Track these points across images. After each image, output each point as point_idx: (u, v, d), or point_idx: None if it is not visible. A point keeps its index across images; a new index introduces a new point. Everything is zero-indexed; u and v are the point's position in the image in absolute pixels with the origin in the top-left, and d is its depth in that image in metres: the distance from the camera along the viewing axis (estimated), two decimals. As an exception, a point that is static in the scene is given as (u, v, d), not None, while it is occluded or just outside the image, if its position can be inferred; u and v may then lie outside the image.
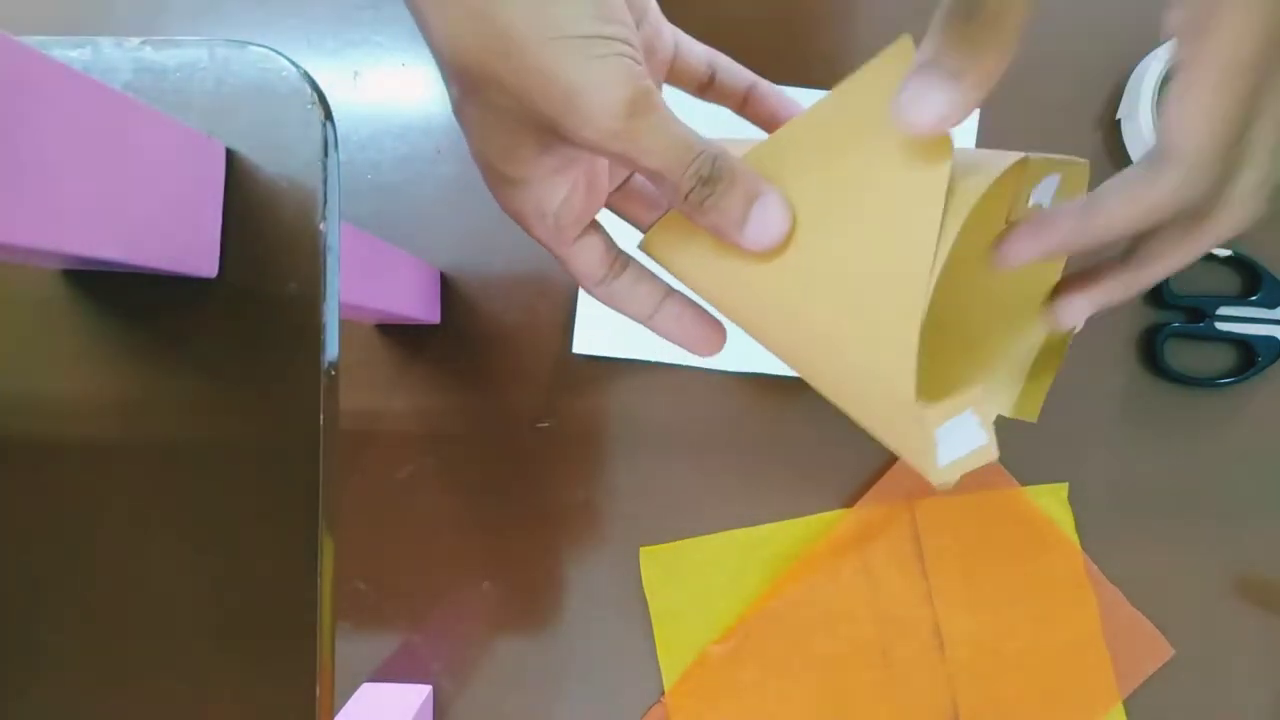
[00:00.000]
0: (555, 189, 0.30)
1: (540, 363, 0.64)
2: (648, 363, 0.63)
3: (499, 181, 0.30)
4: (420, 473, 0.63)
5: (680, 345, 0.33)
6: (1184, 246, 0.29)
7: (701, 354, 0.33)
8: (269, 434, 0.33)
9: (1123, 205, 0.27)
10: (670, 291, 0.32)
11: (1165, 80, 0.29)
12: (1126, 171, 0.27)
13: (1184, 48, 0.24)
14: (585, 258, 0.31)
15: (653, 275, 0.33)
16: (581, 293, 0.63)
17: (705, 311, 0.33)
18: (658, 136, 0.26)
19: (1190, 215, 0.27)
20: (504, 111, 0.27)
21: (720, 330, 0.33)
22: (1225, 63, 0.24)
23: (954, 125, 0.24)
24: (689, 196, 0.27)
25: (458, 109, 0.29)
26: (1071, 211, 0.28)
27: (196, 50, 0.34)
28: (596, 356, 0.63)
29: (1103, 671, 0.60)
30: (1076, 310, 0.34)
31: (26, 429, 0.33)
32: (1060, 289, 0.34)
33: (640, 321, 0.32)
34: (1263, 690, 0.61)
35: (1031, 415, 0.34)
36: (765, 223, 0.27)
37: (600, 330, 0.63)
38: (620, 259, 0.32)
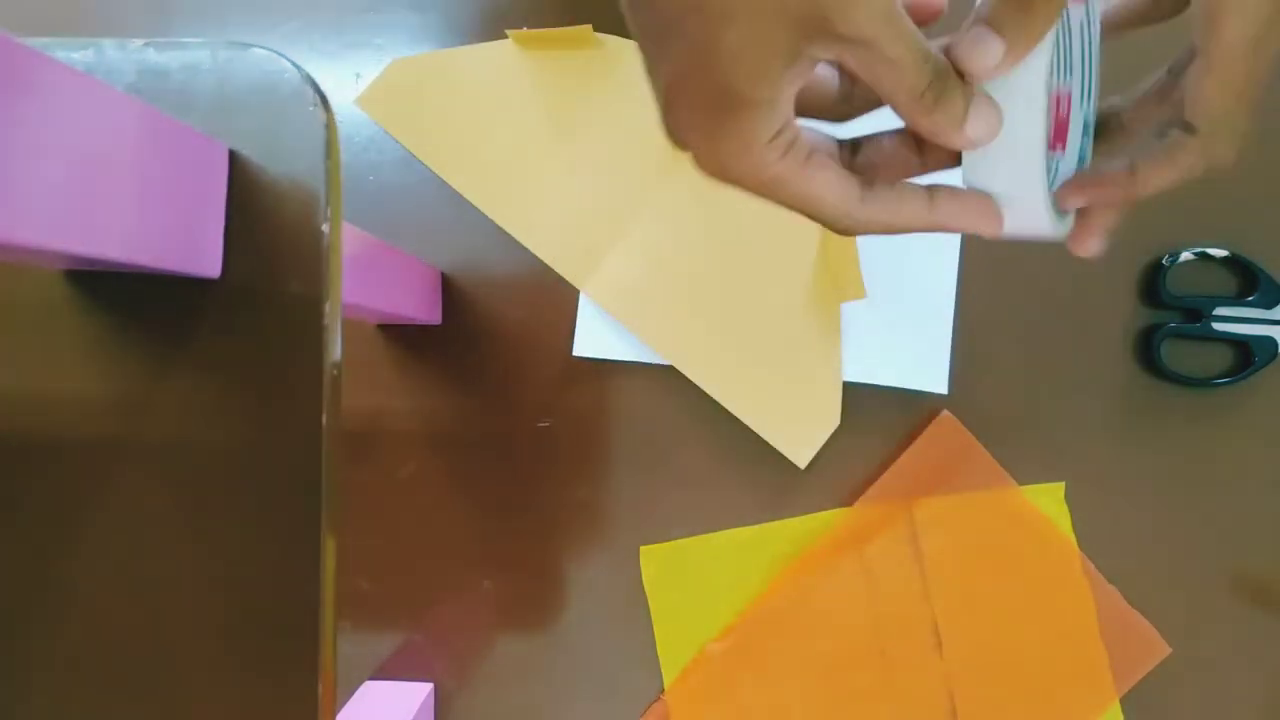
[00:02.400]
0: (784, 109, 0.28)
1: (540, 363, 0.64)
2: (647, 364, 0.63)
3: (734, 114, 0.27)
4: (421, 472, 0.64)
5: (969, 229, 0.31)
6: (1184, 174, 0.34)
7: (986, 233, 0.31)
8: (271, 433, 0.33)
9: (1164, 174, 0.33)
10: (931, 186, 0.31)
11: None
12: (1165, 145, 0.33)
13: (1198, 37, 0.31)
14: (830, 177, 0.29)
15: (901, 172, 0.32)
16: (583, 296, 0.63)
17: (973, 191, 0.31)
18: (907, 27, 0.26)
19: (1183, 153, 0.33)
20: (765, 12, 0.25)
21: (993, 203, 0.31)
22: (1231, 47, 0.30)
23: (1003, 74, 0.29)
24: (924, 93, 0.27)
25: (705, 36, 0.26)
26: (1119, 180, 0.33)
27: (199, 52, 0.34)
28: (597, 359, 0.63)
29: (1099, 669, 0.61)
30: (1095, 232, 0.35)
31: (27, 429, 0.33)
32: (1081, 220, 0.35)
33: (921, 226, 0.31)
34: (1258, 688, 0.61)
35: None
36: (983, 119, 0.29)
37: (601, 333, 0.63)
38: (857, 174, 0.30)
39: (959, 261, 0.63)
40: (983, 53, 0.28)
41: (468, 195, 0.64)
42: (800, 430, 0.62)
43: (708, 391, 0.62)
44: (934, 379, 0.62)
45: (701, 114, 0.27)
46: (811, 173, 0.29)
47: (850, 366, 0.62)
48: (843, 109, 0.33)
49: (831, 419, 0.62)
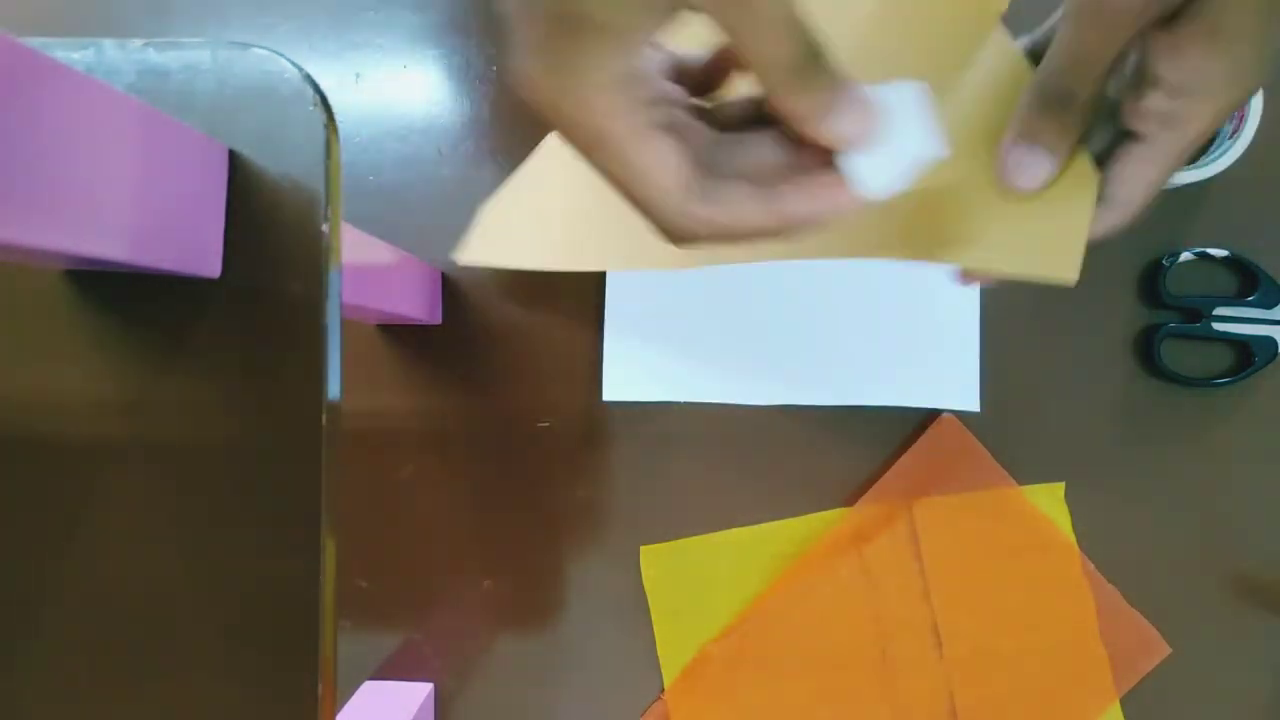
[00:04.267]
0: (643, 42, 0.24)
1: (540, 363, 0.64)
2: (684, 404, 0.63)
3: (578, 35, 0.23)
4: (421, 472, 0.64)
5: (820, 218, 0.27)
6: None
7: (842, 206, 0.27)
8: (271, 434, 0.33)
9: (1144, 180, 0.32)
10: (780, 173, 0.27)
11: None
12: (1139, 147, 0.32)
13: (1155, 129, 0.31)
14: (668, 152, 0.25)
15: (754, 166, 0.27)
16: (608, 332, 0.63)
17: (826, 173, 0.27)
18: (778, 8, 0.24)
19: None
20: None
21: (844, 179, 0.27)
22: (1178, 164, 0.31)
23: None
24: (796, 69, 0.24)
25: None
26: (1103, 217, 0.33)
27: (199, 52, 0.34)
28: (628, 403, 0.63)
29: (1099, 670, 0.61)
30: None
31: (27, 429, 0.33)
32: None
33: (762, 226, 0.27)
34: (1259, 689, 0.61)
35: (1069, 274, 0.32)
36: (854, 116, 0.26)
37: (630, 375, 0.63)
38: (704, 164, 0.26)
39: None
40: (1035, 171, 0.31)
41: (611, 268, 0.61)
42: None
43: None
44: (965, 397, 0.62)
45: (544, 31, 0.24)
46: (646, 140, 0.25)
47: (876, 390, 0.62)
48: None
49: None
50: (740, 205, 0.26)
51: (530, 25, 0.24)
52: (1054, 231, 0.32)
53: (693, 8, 0.24)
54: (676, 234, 0.27)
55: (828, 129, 0.26)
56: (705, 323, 0.63)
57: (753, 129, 0.28)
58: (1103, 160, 0.33)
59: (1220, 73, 0.29)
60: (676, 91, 0.28)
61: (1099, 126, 0.33)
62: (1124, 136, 0.32)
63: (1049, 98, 0.30)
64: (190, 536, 0.33)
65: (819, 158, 0.27)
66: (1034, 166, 0.31)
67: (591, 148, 0.25)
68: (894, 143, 0.26)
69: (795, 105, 0.25)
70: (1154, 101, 0.30)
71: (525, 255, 0.57)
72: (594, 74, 0.24)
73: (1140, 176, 0.32)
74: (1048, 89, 0.30)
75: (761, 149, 0.27)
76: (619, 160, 0.25)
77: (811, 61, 0.25)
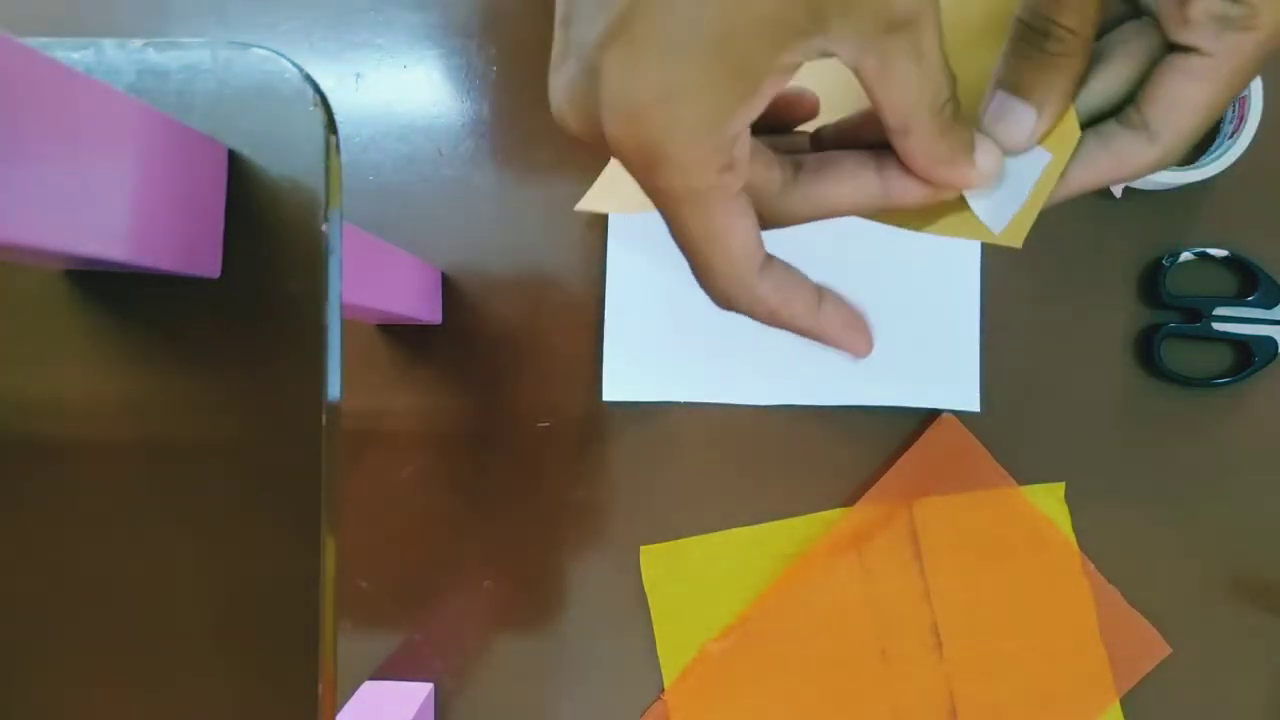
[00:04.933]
0: (763, 103, 0.22)
1: (540, 363, 0.64)
2: (684, 404, 0.63)
3: (730, 81, 0.21)
4: (421, 472, 0.64)
5: (839, 346, 0.28)
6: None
7: (860, 353, 0.28)
8: (271, 434, 0.33)
9: (1109, 167, 0.27)
10: (819, 285, 0.27)
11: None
12: (1114, 135, 0.27)
13: (1209, 38, 0.25)
14: (749, 228, 0.24)
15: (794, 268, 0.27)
16: (608, 332, 0.63)
17: (853, 305, 0.28)
18: (935, 41, 0.22)
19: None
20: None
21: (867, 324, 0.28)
22: (1233, 86, 0.26)
23: (1040, 140, 0.26)
24: (945, 106, 0.23)
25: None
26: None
27: (199, 52, 0.34)
28: (628, 403, 0.63)
29: (1099, 670, 0.61)
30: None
31: (27, 429, 0.33)
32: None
33: (801, 326, 0.27)
34: (1259, 689, 0.61)
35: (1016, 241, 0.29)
36: (991, 152, 0.25)
37: (631, 374, 0.63)
38: (788, 159, 0.26)
39: (981, 266, 0.63)
40: (1013, 124, 0.26)
41: None
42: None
43: None
44: (965, 397, 0.62)
45: (688, 70, 0.21)
46: (734, 212, 0.24)
47: (876, 390, 0.62)
48: (778, 203, 0.26)
49: None
50: (794, 297, 0.26)
51: (670, 53, 0.22)
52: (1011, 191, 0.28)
53: (830, 54, 0.22)
54: (725, 299, 0.26)
55: (971, 171, 0.25)
56: (705, 323, 0.63)
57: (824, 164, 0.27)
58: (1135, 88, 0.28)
59: None
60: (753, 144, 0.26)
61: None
62: (1167, 52, 0.27)
63: (1024, 28, 0.26)
64: (190, 536, 0.33)
65: (913, 191, 0.26)
66: (1016, 116, 0.26)
67: (675, 205, 0.24)
68: (1010, 174, 0.26)
69: (937, 148, 0.24)
70: (1207, 2, 0.25)
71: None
72: (716, 128, 0.22)
73: (1191, 100, 0.26)
74: (1023, 17, 0.26)
75: (840, 185, 0.26)
76: (701, 226, 0.24)
77: (955, 100, 0.24)
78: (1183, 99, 0.26)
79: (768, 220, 0.26)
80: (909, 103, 0.23)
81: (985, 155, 0.25)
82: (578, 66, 0.23)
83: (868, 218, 0.28)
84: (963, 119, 0.25)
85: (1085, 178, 0.27)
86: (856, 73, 0.23)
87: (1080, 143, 0.27)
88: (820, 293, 0.27)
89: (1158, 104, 0.26)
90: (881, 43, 0.22)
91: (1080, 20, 0.25)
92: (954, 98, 0.24)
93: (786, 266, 0.26)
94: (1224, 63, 0.25)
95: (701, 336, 0.62)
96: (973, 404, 0.62)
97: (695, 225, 0.24)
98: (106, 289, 0.33)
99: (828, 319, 0.27)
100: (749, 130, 0.23)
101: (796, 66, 0.22)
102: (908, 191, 0.26)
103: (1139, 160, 0.27)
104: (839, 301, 0.27)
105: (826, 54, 0.22)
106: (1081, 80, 0.26)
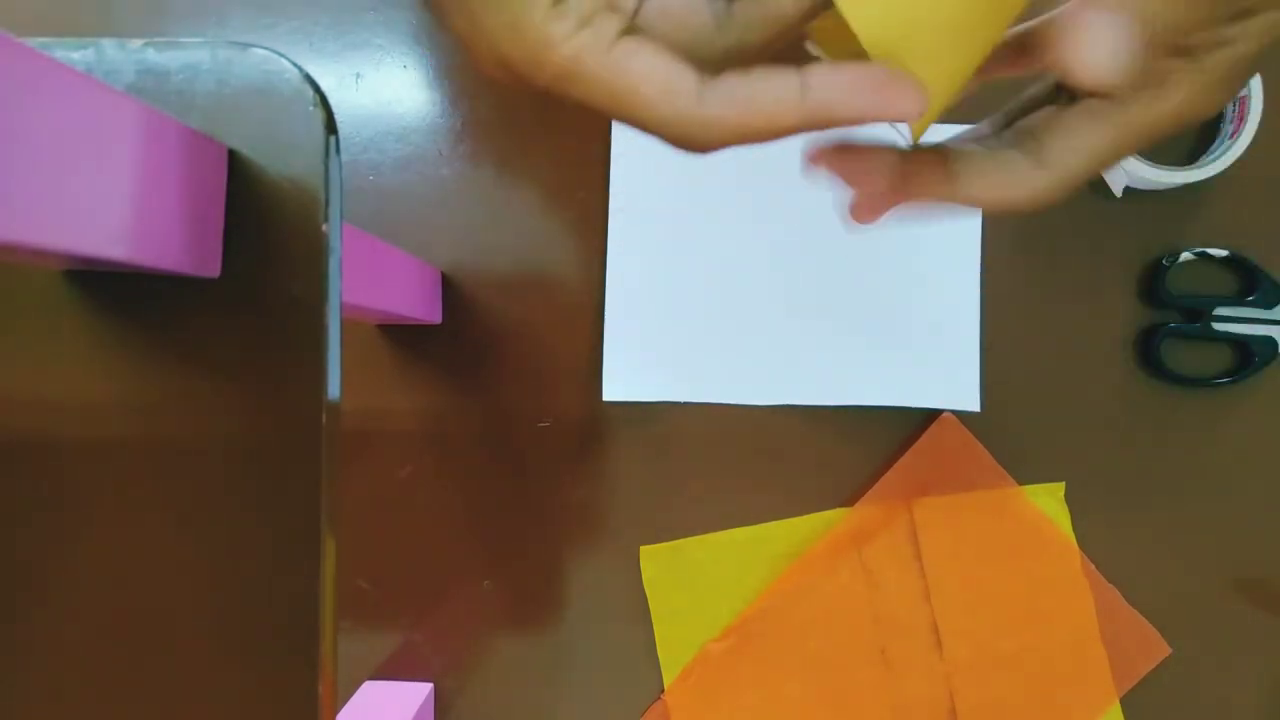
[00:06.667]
0: None
1: (540, 363, 0.64)
2: (684, 404, 0.63)
3: None
4: (421, 472, 0.64)
5: (867, 113, 0.22)
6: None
7: (903, 110, 0.22)
8: (271, 434, 0.33)
9: (997, 183, 0.27)
10: (799, 68, 0.22)
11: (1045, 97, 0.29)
12: (997, 156, 0.27)
13: (1133, 93, 0.25)
14: (646, 61, 0.21)
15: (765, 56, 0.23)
16: (609, 332, 0.63)
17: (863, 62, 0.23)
18: None
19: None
20: None
21: (898, 71, 0.22)
22: (1130, 140, 0.26)
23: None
24: None
25: None
26: (930, 173, 0.27)
27: (199, 52, 0.34)
28: (628, 403, 0.63)
29: (1099, 670, 0.61)
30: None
31: (26, 429, 0.33)
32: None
33: (793, 121, 0.22)
34: (1259, 689, 0.61)
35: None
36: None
37: (632, 373, 0.63)
38: (710, 56, 0.22)
39: (980, 266, 0.63)
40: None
41: None
42: None
43: None
44: (965, 397, 0.62)
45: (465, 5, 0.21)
46: (626, 57, 0.21)
47: (876, 390, 0.62)
48: (718, 39, 0.23)
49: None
50: (757, 95, 0.22)
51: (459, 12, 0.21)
52: None
53: None
54: (686, 141, 0.23)
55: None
56: (705, 322, 0.63)
57: None
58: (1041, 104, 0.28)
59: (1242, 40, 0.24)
60: None
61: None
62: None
63: None
64: (190, 536, 0.33)
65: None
66: (1108, 42, 0.24)
67: (562, 85, 0.22)
68: None
69: None
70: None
71: None
72: (525, 6, 0.21)
73: (1090, 138, 0.26)
74: None
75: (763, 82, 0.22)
76: (600, 90, 0.22)
77: None
78: (1084, 137, 0.26)
79: (690, 125, 0.22)
80: None
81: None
82: None
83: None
84: None
85: (975, 189, 0.27)
86: None
87: (965, 154, 0.27)
88: (801, 72, 0.22)
89: (1054, 133, 0.26)
90: None
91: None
92: None
93: (740, 73, 0.22)
94: (1136, 115, 0.26)
95: (701, 336, 0.63)
96: (973, 404, 0.62)
97: (595, 98, 0.22)
98: (106, 289, 0.33)
99: (823, 93, 0.22)
100: None
101: None
102: (830, 87, 0.22)
103: (1025, 184, 0.26)
104: (833, 68, 0.22)
105: None
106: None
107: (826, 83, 0.22)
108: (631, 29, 0.22)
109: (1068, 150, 0.26)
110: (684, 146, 0.23)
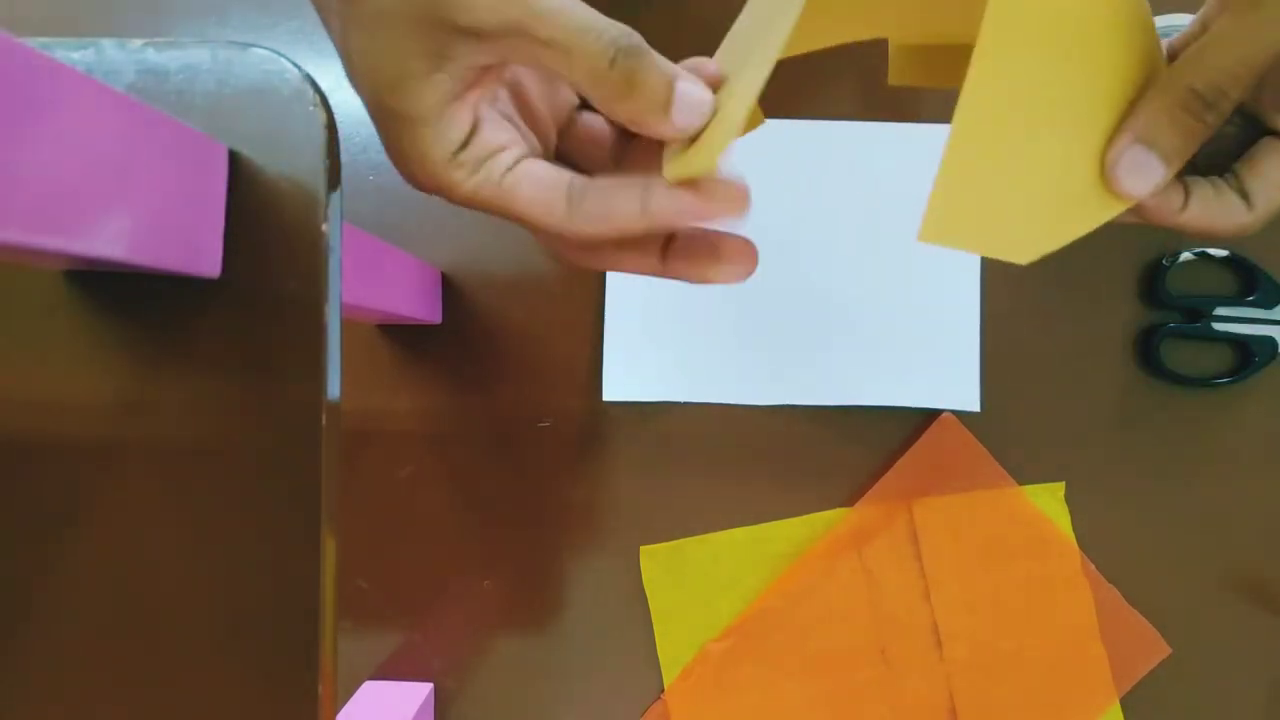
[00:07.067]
0: (457, 122, 0.26)
1: (540, 363, 0.64)
2: (684, 404, 0.63)
3: (396, 129, 0.26)
4: (421, 472, 0.64)
5: (700, 219, 0.27)
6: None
7: (732, 215, 0.27)
8: (270, 433, 0.33)
9: (1206, 218, 0.30)
10: (650, 178, 0.27)
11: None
12: (1220, 191, 0.30)
13: None
14: (527, 191, 0.26)
15: (621, 176, 0.28)
16: (609, 332, 0.63)
17: (717, 235, 0.29)
18: (560, 6, 0.23)
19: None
20: (385, 17, 0.23)
21: (733, 182, 0.27)
22: None
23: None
24: (614, 66, 0.24)
25: (343, 43, 0.25)
26: (1176, 202, 0.30)
27: (199, 52, 0.34)
28: (628, 403, 0.63)
29: (1099, 669, 0.61)
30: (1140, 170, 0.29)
31: (26, 429, 0.33)
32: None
33: (637, 225, 0.26)
34: (1259, 688, 0.61)
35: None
36: (692, 99, 0.25)
37: (632, 372, 0.63)
38: (576, 180, 0.27)
39: (981, 266, 0.63)
40: (1144, 177, 0.27)
41: None
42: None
43: None
44: (965, 397, 0.62)
45: (378, 127, 0.26)
46: (512, 188, 0.26)
47: (876, 390, 0.62)
48: (567, 223, 0.28)
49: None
50: (612, 206, 0.26)
51: (383, 126, 0.27)
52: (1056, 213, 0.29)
53: (485, 63, 0.24)
54: (573, 238, 0.28)
55: (667, 125, 0.25)
56: (705, 322, 0.63)
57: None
58: (1235, 155, 0.31)
59: None
60: (527, 123, 0.29)
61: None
62: (1267, 133, 0.30)
63: (1195, 97, 0.27)
64: (190, 536, 0.33)
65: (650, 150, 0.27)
66: (1148, 170, 0.28)
67: (476, 207, 0.27)
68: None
69: (632, 110, 0.25)
70: None
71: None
72: (430, 158, 0.26)
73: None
74: (1198, 88, 0.27)
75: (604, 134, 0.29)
76: (503, 213, 0.26)
77: (627, 59, 0.24)
78: (1274, 174, 0.29)
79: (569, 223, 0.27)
80: (577, 86, 0.25)
81: (681, 108, 0.25)
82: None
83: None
84: (645, 73, 0.24)
85: (1195, 215, 0.30)
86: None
87: (1198, 184, 0.30)
88: (649, 187, 0.26)
89: (1254, 175, 0.30)
90: (506, 50, 0.24)
91: (1243, 92, 0.27)
92: (620, 60, 0.24)
93: (600, 185, 0.26)
94: None
95: (701, 336, 0.63)
96: (973, 404, 0.62)
97: (503, 216, 0.27)
98: (106, 289, 0.33)
99: (659, 211, 0.26)
100: (485, 130, 0.26)
101: (473, 69, 0.25)
102: (664, 206, 0.26)
103: (1232, 218, 0.30)
104: (668, 193, 0.26)
105: (476, 65, 0.25)
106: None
107: (662, 204, 0.26)
108: (516, 162, 0.26)
109: (1267, 190, 0.30)
110: (569, 242, 0.28)
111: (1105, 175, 0.28)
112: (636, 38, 0.25)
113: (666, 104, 0.25)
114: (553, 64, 0.24)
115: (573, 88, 0.26)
